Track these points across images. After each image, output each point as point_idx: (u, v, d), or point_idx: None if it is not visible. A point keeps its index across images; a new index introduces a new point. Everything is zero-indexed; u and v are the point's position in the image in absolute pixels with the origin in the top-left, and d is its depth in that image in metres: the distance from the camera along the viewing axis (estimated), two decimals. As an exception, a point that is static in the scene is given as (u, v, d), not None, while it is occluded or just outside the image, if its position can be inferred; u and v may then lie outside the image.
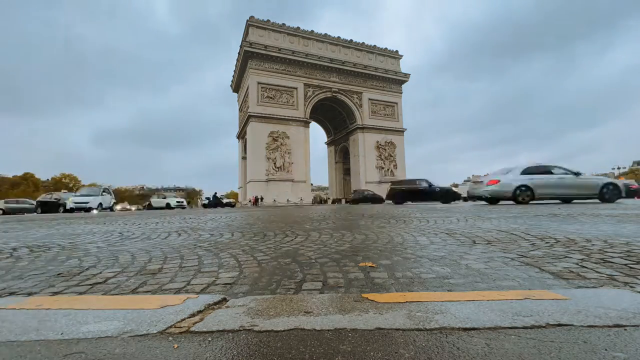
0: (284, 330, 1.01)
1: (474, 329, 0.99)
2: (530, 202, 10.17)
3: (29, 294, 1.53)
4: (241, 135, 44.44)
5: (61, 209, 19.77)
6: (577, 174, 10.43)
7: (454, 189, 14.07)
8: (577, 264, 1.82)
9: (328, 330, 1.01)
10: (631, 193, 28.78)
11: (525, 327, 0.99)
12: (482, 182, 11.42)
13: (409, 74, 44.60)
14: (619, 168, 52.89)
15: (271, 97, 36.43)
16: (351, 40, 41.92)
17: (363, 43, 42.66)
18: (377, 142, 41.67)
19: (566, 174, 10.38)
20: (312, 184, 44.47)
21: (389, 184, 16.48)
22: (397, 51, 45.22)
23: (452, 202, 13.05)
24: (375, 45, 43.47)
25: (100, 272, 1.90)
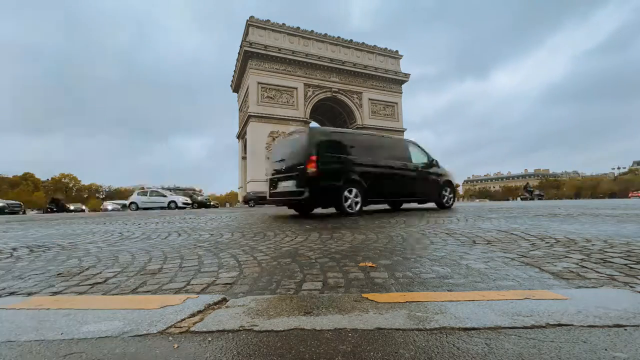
0: (284, 330, 1.01)
1: (474, 329, 0.99)
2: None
3: (29, 294, 1.53)
4: (241, 135, 44.40)
5: None
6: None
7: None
8: (577, 264, 1.82)
9: (328, 330, 1.01)
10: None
11: (525, 327, 0.99)
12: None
13: (409, 74, 44.53)
14: (618, 168, 52.86)
15: (271, 97, 36.40)
16: (351, 40, 41.88)
17: (363, 43, 42.61)
18: (377, 142, 41.62)
19: None
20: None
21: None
22: (397, 51, 45.16)
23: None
24: (375, 45, 43.39)
25: (100, 272, 1.90)
